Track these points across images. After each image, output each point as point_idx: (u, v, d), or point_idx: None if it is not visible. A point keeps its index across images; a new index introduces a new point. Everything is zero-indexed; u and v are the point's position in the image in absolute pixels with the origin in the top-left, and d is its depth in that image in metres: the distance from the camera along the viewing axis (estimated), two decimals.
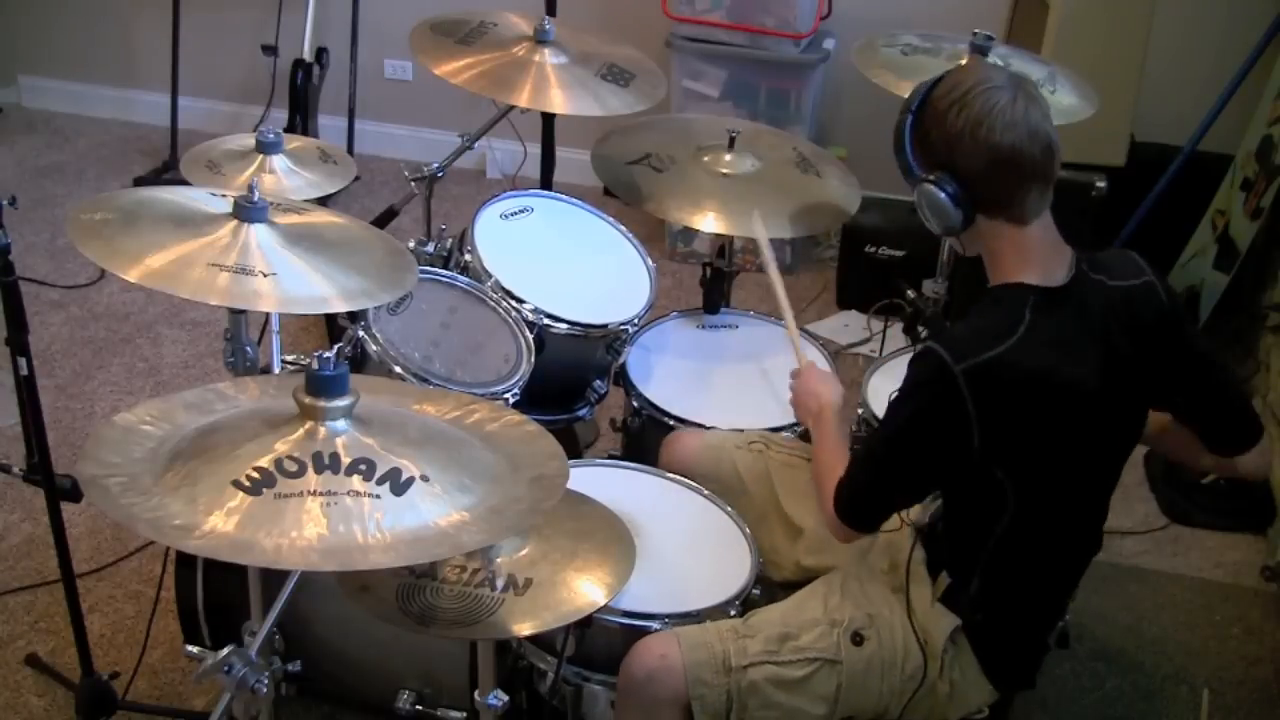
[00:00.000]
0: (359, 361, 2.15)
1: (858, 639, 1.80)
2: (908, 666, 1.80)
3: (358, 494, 1.33)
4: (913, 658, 1.80)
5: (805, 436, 2.30)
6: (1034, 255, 1.70)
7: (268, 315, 2.15)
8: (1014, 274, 1.70)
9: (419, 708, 2.03)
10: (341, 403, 1.41)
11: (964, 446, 1.64)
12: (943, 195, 1.67)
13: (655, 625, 1.84)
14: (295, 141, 2.21)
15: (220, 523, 1.28)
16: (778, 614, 1.86)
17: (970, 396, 1.61)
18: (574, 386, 2.50)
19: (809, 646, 1.80)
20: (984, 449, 1.64)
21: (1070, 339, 1.66)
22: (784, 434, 2.26)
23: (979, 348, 1.62)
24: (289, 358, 2.21)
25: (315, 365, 1.41)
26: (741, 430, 2.25)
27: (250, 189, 1.74)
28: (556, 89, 2.47)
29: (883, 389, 2.37)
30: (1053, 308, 1.66)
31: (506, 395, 2.17)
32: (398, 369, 2.11)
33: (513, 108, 2.58)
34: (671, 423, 2.31)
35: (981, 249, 1.75)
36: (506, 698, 1.71)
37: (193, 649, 2.13)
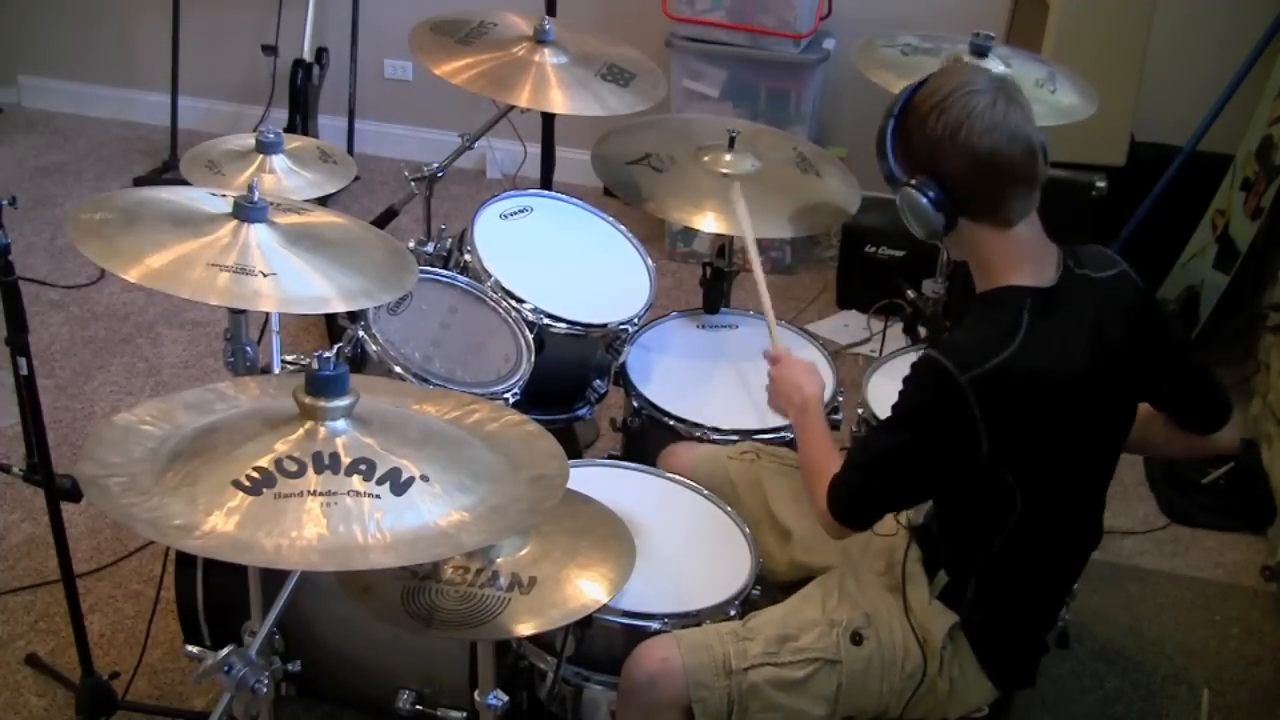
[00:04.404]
0: (359, 361, 2.15)
1: (857, 639, 1.81)
2: (907, 665, 1.81)
3: (358, 494, 1.33)
4: (912, 656, 1.81)
5: (795, 444, 2.30)
6: (1022, 257, 1.70)
7: (268, 315, 2.16)
8: (1005, 277, 1.70)
9: (419, 708, 2.03)
10: (341, 403, 1.41)
11: (972, 454, 1.65)
12: (924, 199, 1.68)
13: (655, 625, 1.84)
14: (295, 141, 2.21)
15: (220, 523, 1.28)
16: (777, 615, 1.86)
17: (978, 405, 1.61)
18: (574, 386, 2.50)
19: (809, 647, 1.80)
20: (993, 454, 1.65)
21: (1068, 337, 1.67)
22: (781, 434, 2.27)
23: (983, 356, 1.62)
24: (289, 358, 2.21)
25: (315, 365, 1.41)
26: (738, 432, 2.27)
27: (250, 189, 1.74)
28: (556, 89, 2.47)
29: (883, 389, 2.38)
30: (1048, 307, 1.67)
31: (506, 395, 2.17)
32: (398, 369, 2.11)
33: (513, 108, 2.58)
34: (671, 423, 2.31)
35: (968, 253, 1.75)
36: (506, 698, 1.71)
37: (193, 649, 2.13)
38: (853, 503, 1.78)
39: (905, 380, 1.70)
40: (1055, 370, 1.65)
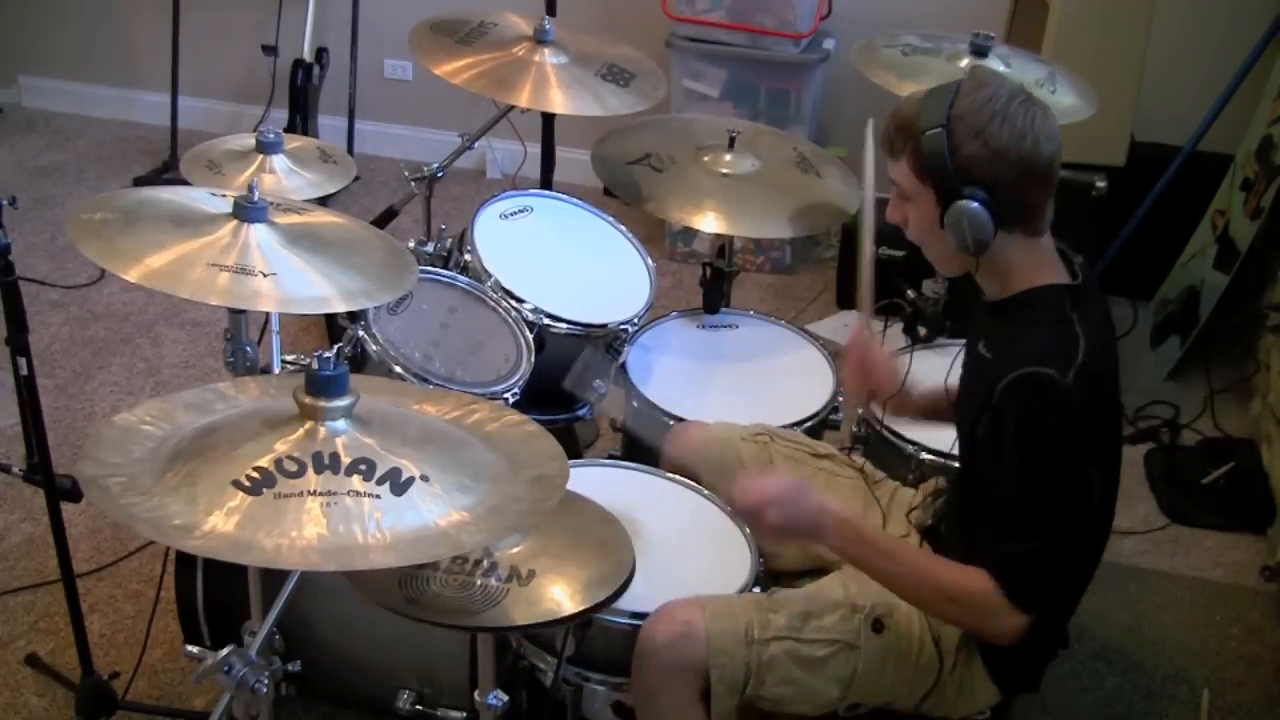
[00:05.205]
0: (359, 361, 2.15)
1: (878, 626, 1.80)
2: (921, 660, 1.81)
3: (358, 494, 1.33)
4: (926, 653, 1.81)
5: (810, 432, 2.30)
6: (1045, 261, 1.72)
7: (268, 315, 2.16)
8: (1034, 278, 1.70)
9: (419, 708, 2.03)
10: (341, 403, 1.41)
11: (1089, 454, 1.63)
12: (982, 208, 1.63)
13: None
14: (295, 141, 2.21)
15: (220, 523, 1.28)
16: (801, 593, 1.87)
17: (1082, 402, 1.58)
18: None
19: (831, 628, 1.79)
20: (1092, 452, 1.64)
21: (1101, 329, 1.69)
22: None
23: (1069, 354, 1.59)
24: (289, 358, 2.21)
25: (315, 365, 1.41)
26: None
27: (250, 189, 1.74)
28: (556, 89, 2.47)
29: None
30: (1081, 302, 1.68)
31: (506, 395, 2.17)
32: (398, 369, 2.11)
33: (513, 108, 2.58)
34: (671, 423, 2.31)
35: (988, 265, 1.71)
36: (506, 698, 1.71)
37: (193, 649, 2.13)
38: (1031, 576, 1.63)
39: (1006, 414, 1.60)
40: (1112, 360, 1.69)
